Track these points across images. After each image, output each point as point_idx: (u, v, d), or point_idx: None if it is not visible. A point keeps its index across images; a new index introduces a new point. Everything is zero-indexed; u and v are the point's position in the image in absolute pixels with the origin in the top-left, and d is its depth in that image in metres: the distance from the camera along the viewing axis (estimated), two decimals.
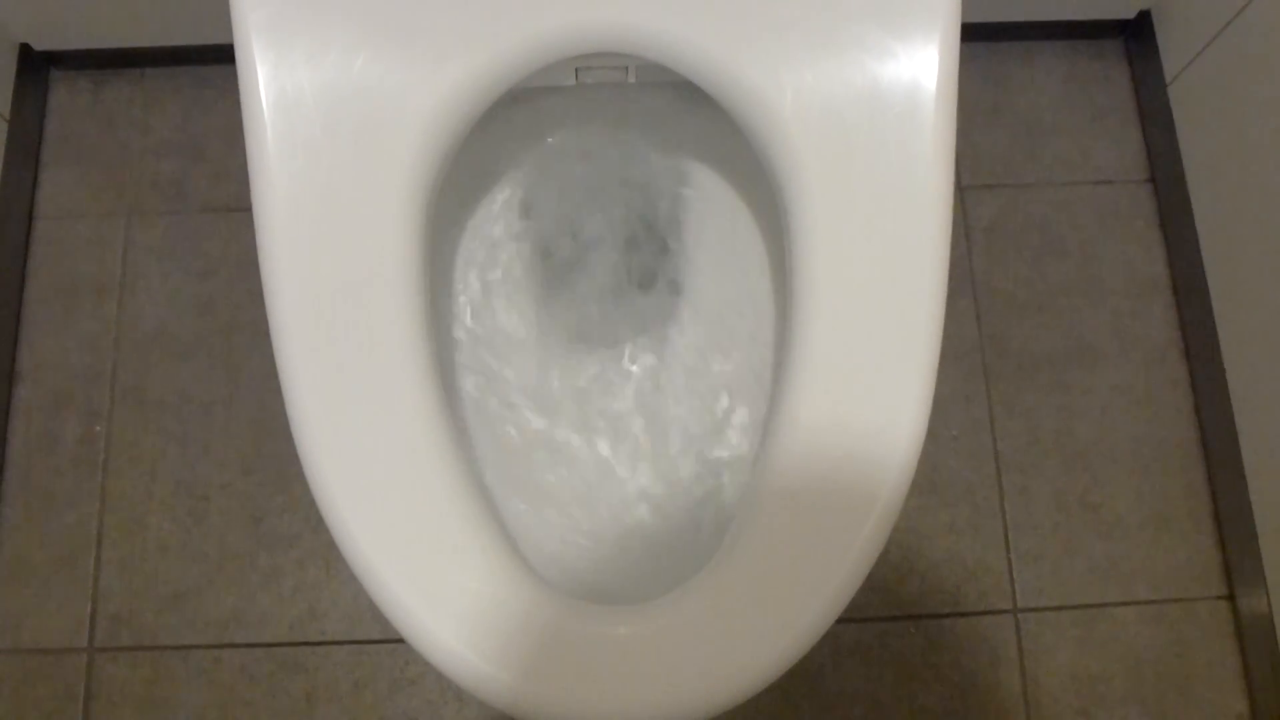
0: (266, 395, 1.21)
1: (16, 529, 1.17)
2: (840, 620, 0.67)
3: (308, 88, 0.70)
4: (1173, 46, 1.29)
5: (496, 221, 0.96)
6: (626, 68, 0.83)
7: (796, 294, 0.71)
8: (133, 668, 1.13)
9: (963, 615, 1.16)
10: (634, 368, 0.94)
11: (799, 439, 0.68)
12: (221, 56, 1.30)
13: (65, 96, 1.32)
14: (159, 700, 1.12)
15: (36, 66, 1.30)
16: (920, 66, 0.72)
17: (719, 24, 0.72)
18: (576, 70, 0.83)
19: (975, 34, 1.25)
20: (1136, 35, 1.34)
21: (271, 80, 0.71)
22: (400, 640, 1.12)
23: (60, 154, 1.30)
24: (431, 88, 0.71)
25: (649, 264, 1.04)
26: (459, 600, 0.65)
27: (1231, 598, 1.17)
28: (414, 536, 0.66)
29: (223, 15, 1.19)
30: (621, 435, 0.92)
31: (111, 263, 1.26)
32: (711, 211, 0.97)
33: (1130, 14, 1.32)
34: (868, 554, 0.67)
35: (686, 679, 0.64)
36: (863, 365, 0.69)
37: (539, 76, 0.75)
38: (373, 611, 1.14)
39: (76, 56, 1.31)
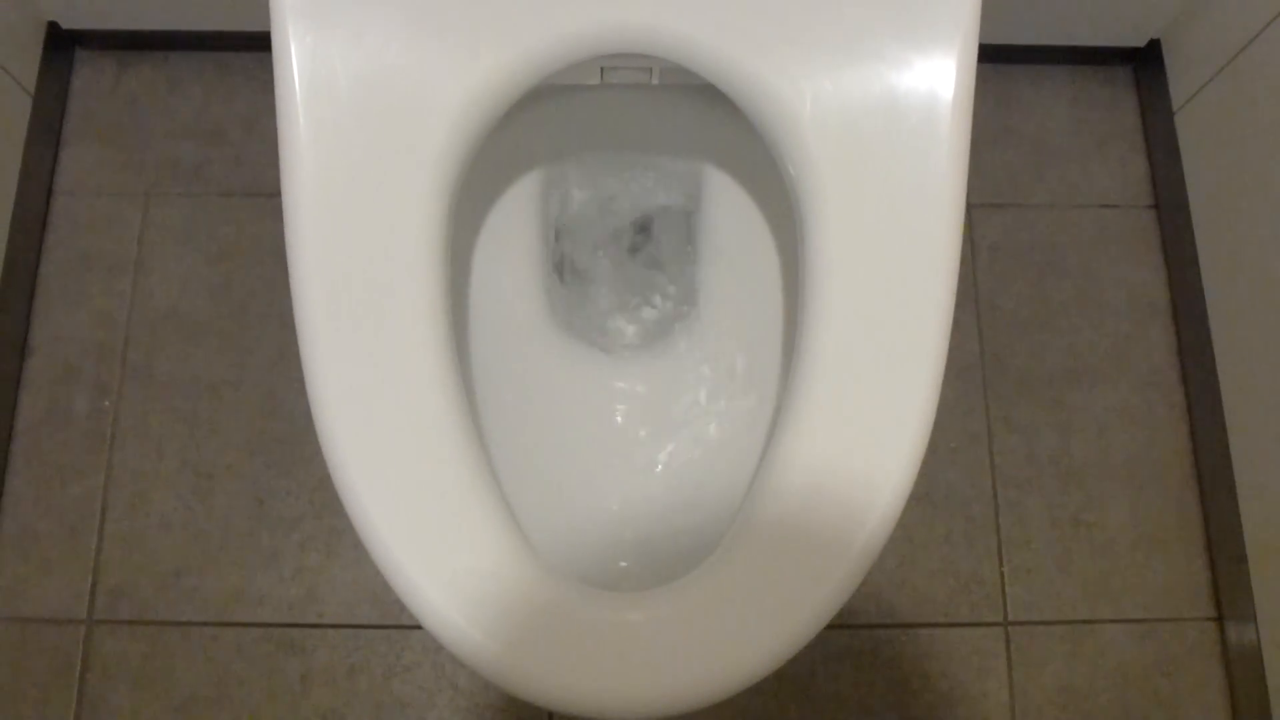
0: (275, 378, 1.22)
1: (22, 499, 1.18)
2: (833, 626, 0.68)
3: (341, 73, 0.72)
4: (1181, 76, 1.31)
5: (514, 216, 0.97)
6: (651, 69, 0.85)
7: (807, 302, 0.73)
8: (130, 641, 1.14)
9: (954, 626, 1.17)
10: (639, 381, 0.95)
11: (800, 451, 0.69)
12: (246, 43, 1.32)
13: (90, 76, 1.33)
14: (155, 675, 1.13)
15: (63, 45, 1.32)
16: (938, 80, 0.73)
17: (743, 31, 0.74)
18: (602, 69, 0.85)
19: (986, 56, 1.26)
20: (1145, 63, 1.36)
21: (306, 64, 0.72)
22: (397, 626, 1.14)
23: (82, 132, 1.31)
24: (462, 79, 0.73)
25: (659, 271, 1.06)
26: (466, 579, 0.66)
27: (1220, 619, 1.18)
28: (425, 514, 0.67)
29: (249, 2, 1.22)
30: (623, 436, 0.93)
31: (128, 241, 1.27)
32: (727, 220, 0.98)
33: (1140, 42, 1.35)
34: (861, 562, 0.68)
35: (687, 667, 0.65)
36: (867, 384, 0.70)
37: (566, 74, 0.77)
38: (371, 597, 1.15)
39: (103, 36, 1.32)
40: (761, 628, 0.66)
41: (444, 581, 0.66)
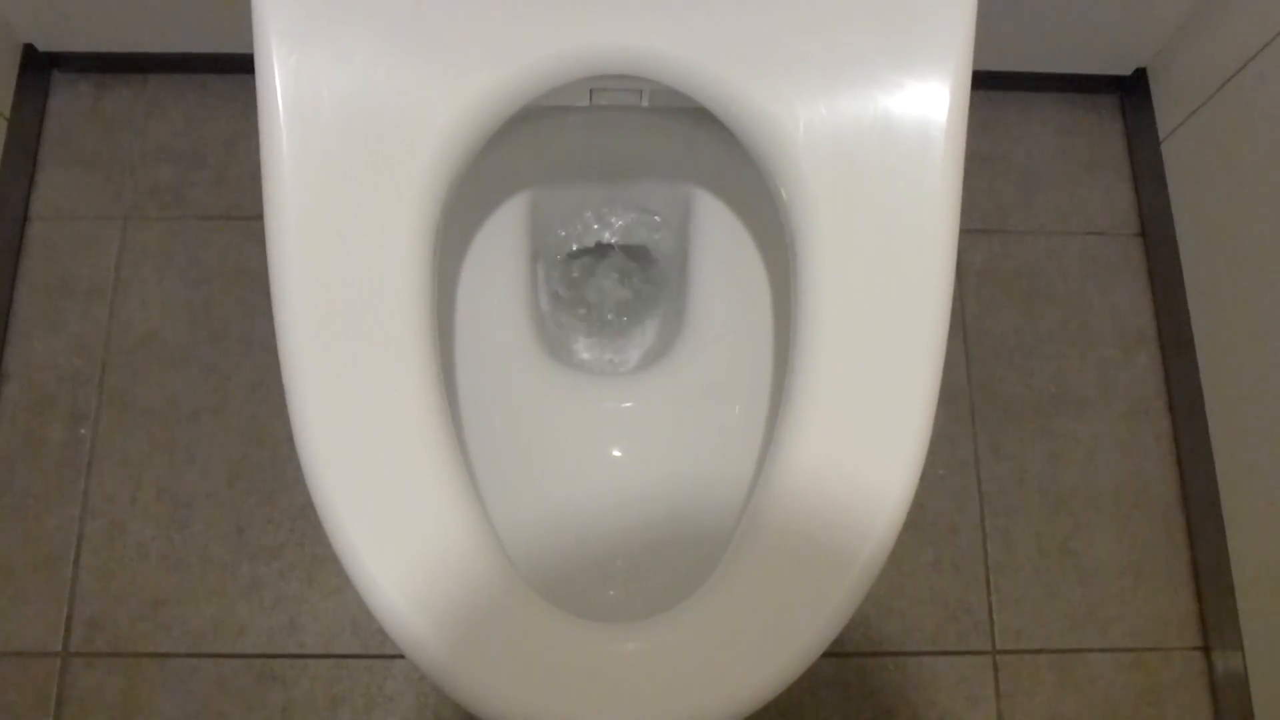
0: (255, 405, 1.20)
1: None
2: (820, 654, 0.67)
3: (326, 96, 0.70)
4: (1167, 105, 1.31)
5: (500, 239, 0.96)
6: (641, 91, 0.84)
7: (800, 325, 0.72)
8: (107, 674, 1.12)
9: (942, 654, 1.16)
10: (628, 404, 0.94)
11: (795, 474, 0.68)
12: (226, 65, 1.30)
13: (67, 98, 1.31)
14: (132, 708, 1.11)
15: (39, 67, 1.30)
16: (931, 105, 0.73)
17: (737, 54, 0.73)
18: (591, 91, 0.84)
19: (974, 82, 1.27)
20: (1132, 92, 1.36)
21: (289, 85, 0.71)
22: (380, 656, 1.12)
23: (59, 155, 1.29)
24: (449, 102, 0.71)
25: (648, 292, 1.05)
26: (455, 610, 0.64)
27: (1206, 649, 1.18)
28: (416, 555, 0.66)
29: (229, 23, 1.21)
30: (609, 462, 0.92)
31: (105, 266, 1.25)
32: (716, 241, 0.97)
33: (1127, 71, 1.35)
34: (859, 585, 0.67)
35: (686, 697, 0.64)
36: (862, 406, 0.70)
37: (554, 95, 0.76)
38: (352, 627, 1.13)
39: (80, 59, 1.30)
40: (760, 655, 0.65)
41: (431, 610, 0.64)
